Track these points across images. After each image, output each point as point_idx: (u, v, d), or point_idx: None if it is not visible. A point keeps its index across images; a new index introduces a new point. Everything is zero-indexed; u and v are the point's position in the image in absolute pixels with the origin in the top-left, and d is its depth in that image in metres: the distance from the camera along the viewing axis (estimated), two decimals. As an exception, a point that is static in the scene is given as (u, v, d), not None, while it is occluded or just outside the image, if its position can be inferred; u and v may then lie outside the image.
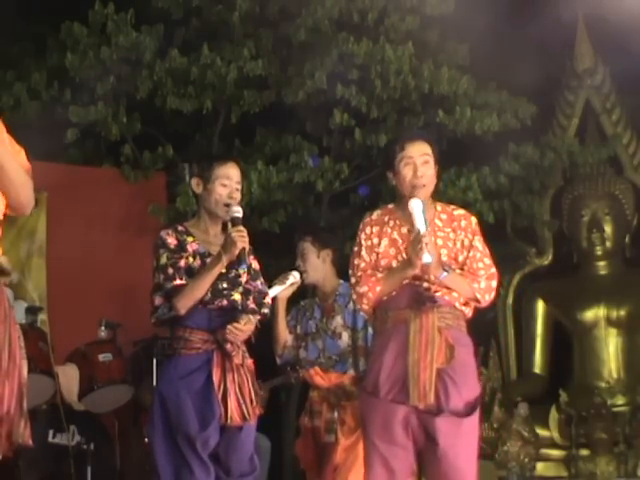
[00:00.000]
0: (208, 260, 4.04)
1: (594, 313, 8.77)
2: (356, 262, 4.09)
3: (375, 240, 4.06)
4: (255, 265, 4.22)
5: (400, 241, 4.04)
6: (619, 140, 8.91)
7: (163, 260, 4.02)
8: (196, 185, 4.15)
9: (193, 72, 7.58)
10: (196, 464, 3.92)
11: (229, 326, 3.98)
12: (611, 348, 8.69)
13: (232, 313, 4.05)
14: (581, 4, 8.07)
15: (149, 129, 8.00)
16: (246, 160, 7.53)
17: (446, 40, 8.09)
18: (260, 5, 7.88)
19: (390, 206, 4.18)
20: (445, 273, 3.94)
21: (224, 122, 8.06)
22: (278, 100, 7.86)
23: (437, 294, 3.98)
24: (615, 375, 8.61)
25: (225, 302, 4.04)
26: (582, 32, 9.01)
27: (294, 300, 5.20)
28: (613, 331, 8.73)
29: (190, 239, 4.09)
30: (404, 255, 4.00)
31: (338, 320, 5.01)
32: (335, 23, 7.77)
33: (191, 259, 4.05)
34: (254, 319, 4.10)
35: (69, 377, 6.25)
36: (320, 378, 4.97)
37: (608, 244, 8.91)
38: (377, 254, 4.05)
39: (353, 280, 4.09)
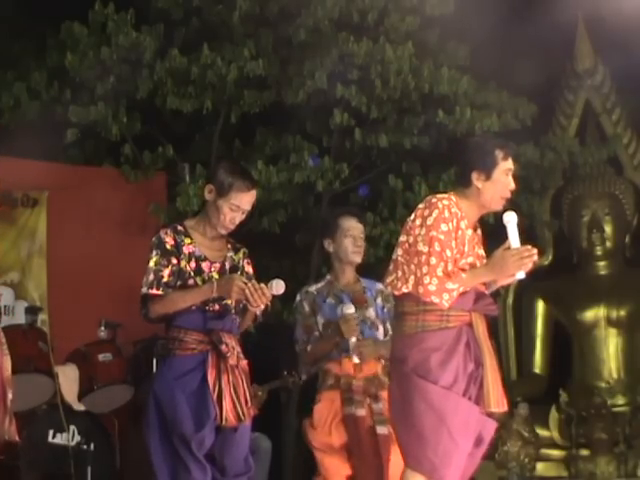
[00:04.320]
0: (203, 264, 4.07)
1: (594, 313, 8.77)
2: (448, 253, 3.84)
3: (460, 236, 3.90)
4: (248, 269, 4.24)
5: (470, 242, 3.97)
6: (619, 140, 8.92)
7: (151, 264, 4.06)
8: (208, 192, 4.14)
9: (193, 72, 7.58)
10: (193, 463, 3.94)
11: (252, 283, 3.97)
12: (611, 348, 8.69)
13: (227, 315, 4.07)
14: (581, 4, 8.07)
15: (149, 129, 8.00)
16: (246, 160, 7.53)
17: (446, 40, 8.08)
18: (260, 5, 7.87)
19: (453, 198, 3.97)
20: (495, 286, 4.04)
21: (224, 122, 8.06)
22: (278, 100, 7.86)
23: None
24: (615, 375, 8.61)
25: (217, 307, 4.07)
26: (582, 32, 9.00)
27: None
28: (613, 331, 8.73)
29: (187, 241, 4.10)
30: (474, 258, 3.95)
31: (371, 312, 4.94)
32: (335, 23, 7.76)
33: (184, 262, 4.06)
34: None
35: (69, 377, 6.25)
36: (352, 368, 4.83)
37: (608, 244, 8.91)
38: (459, 251, 3.90)
39: (440, 272, 3.81)
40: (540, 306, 8.99)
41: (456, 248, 3.88)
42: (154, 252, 4.06)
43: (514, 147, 4.10)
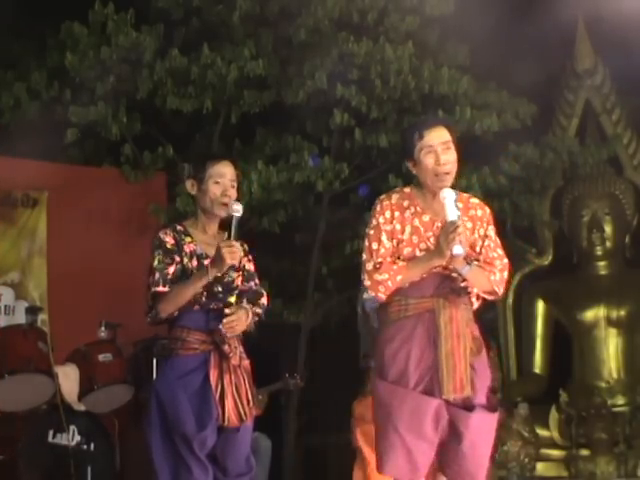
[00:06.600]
0: (205, 261, 4.05)
1: (594, 313, 8.77)
2: (374, 247, 3.88)
3: (397, 226, 3.89)
4: (249, 267, 4.23)
5: (422, 229, 3.90)
6: (619, 140, 8.91)
7: (155, 263, 4.04)
8: (190, 186, 4.16)
9: (193, 72, 7.59)
10: (194, 463, 3.93)
11: (222, 323, 3.98)
12: (611, 348, 8.69)
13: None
14: (581, 4, 8.07)
15: (149, 129, 8.00)
16: (246, 160, 7.53)
17: (446, 40, 8.09)
18: (260, 5, 7.88)
19: (407, 190, 3.99)
20: (468, 267, 3.85)
21: (224, 122, 8.07)
22: (278, 100, 7.87)
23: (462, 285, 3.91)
24: (615, 375, 8.61)
25: (221, 305, 4.06)
26: (582, 32, 9.00)
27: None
28: (613, 331, 8.73)
29: (188, 239, 4.10)
30: (428, 244, 3.87)
31: None
32: (335, 23, 7.78)
33: (186, 259, 4.05)
34: (246, 306, 4.08)
35: (69, 377, 6.25)
36: None
37: (608, 244, 8.91)
38: (399, 241, 3.88)
39: (370, 266, 3.86)
40: (540, 306, 8.99)
41: (394, 239, 3.87)
42: (156, 252, 4.05)
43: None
